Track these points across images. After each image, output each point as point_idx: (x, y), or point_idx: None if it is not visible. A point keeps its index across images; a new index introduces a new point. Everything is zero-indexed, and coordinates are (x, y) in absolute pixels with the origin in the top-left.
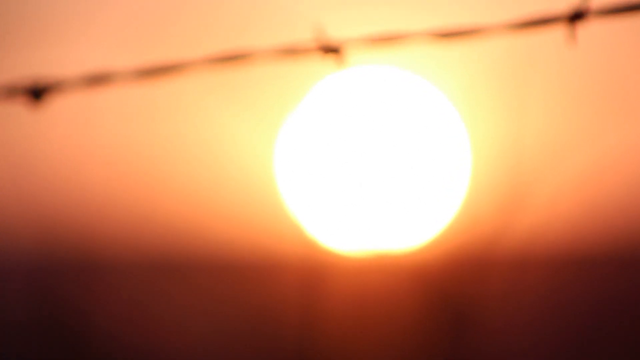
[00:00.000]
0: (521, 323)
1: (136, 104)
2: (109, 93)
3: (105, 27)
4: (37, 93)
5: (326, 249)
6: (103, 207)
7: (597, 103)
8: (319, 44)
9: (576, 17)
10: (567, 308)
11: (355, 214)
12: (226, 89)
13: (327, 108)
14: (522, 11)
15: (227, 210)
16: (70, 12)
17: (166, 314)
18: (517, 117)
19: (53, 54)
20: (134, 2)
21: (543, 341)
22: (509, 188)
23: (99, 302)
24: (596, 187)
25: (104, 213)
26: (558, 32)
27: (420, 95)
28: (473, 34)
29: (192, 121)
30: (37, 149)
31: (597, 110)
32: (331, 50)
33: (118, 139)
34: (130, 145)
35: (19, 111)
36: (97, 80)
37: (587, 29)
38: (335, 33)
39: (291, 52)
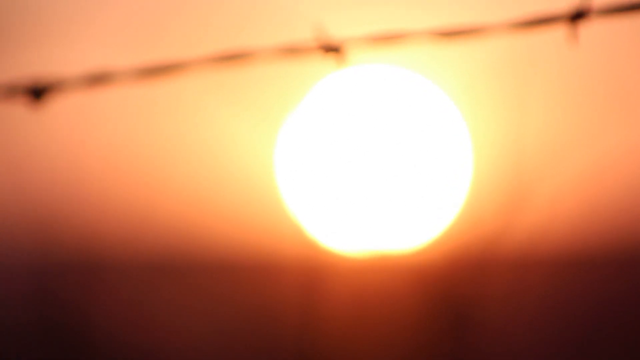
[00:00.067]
0: (522, 323)
1: (136, 104)
2: (109, 93)
3: (105, 27)
4: (37, 93)
5: (326, 250)
6: (103, 207)
7: (598, 103)
8: (319, 43)
9: (577, 16)
10: (568, 308)
11: (356, 215)
12: (226, 88)
13: (328, 108)
14: (523, 10)
15: (227, 210)
16: (70, 12)
17: (166, 314)
18: (518, 117)
19: (53, 54)
20: (134, 2)
21: (544, 342)
22: (510, 188)
23: (99, 302)
24: (597, 187)
25: (104, 213)
26: (559, 32)
27: (422, 95)
28: (474, 34)
29: (192, 121)
30: (37, 149)
31: (598, 110)
32: (332, 49)
33: (118, 139)
34: (131, 145)
35: (19, 111)
36: (97, 80)
37: (588, 29)
38: (335, 32)
39: (291, 51)
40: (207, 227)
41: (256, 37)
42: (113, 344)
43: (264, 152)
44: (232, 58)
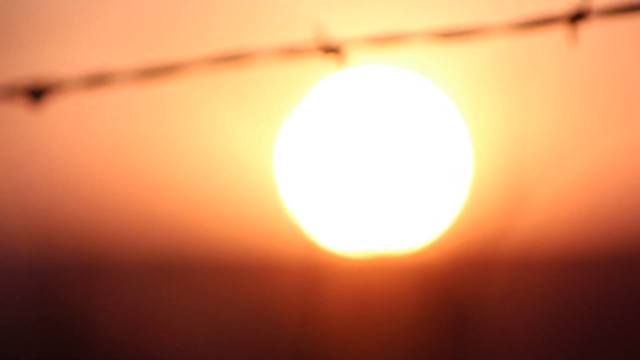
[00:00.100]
0: (522, 324)
1: (136, 104)
2: (109, 93)
3: (105, 27)
4: (37, 93)
5: (326, 250)
6: (103, 208)
7: (598, 103)
8: (319, 43)
9: (577, 17)
10: (568, 309)
11: (356, 215)
12: (226, 89)
13: (328, 108)
14: (523, 11)
15: (227, 210)
16: (70, 12)
17: (166, 314)
18: (518, 117)
19: (53, 54)
20: (134, 2)
21: (544, 342)
22: (510, 188)
23: (99, 303)
24: (597, 187)
25: (104, 213)
26: (559, 32)
27: (421, 95)
28: (474, 34)
29: (192, 121)
30: (37, 149)
31: (598, 110)
32: (331, 50)
33: (118, 139)
34: (130, 146)
35: (19, 111)
36: (97, 80)
37: (588, 29)
38: (335, 33)
39: (291, 52)
40: (206, 228)
41: (256, 38)
42: (113, 344)
43: (263, 153)
44: (232, 58)
